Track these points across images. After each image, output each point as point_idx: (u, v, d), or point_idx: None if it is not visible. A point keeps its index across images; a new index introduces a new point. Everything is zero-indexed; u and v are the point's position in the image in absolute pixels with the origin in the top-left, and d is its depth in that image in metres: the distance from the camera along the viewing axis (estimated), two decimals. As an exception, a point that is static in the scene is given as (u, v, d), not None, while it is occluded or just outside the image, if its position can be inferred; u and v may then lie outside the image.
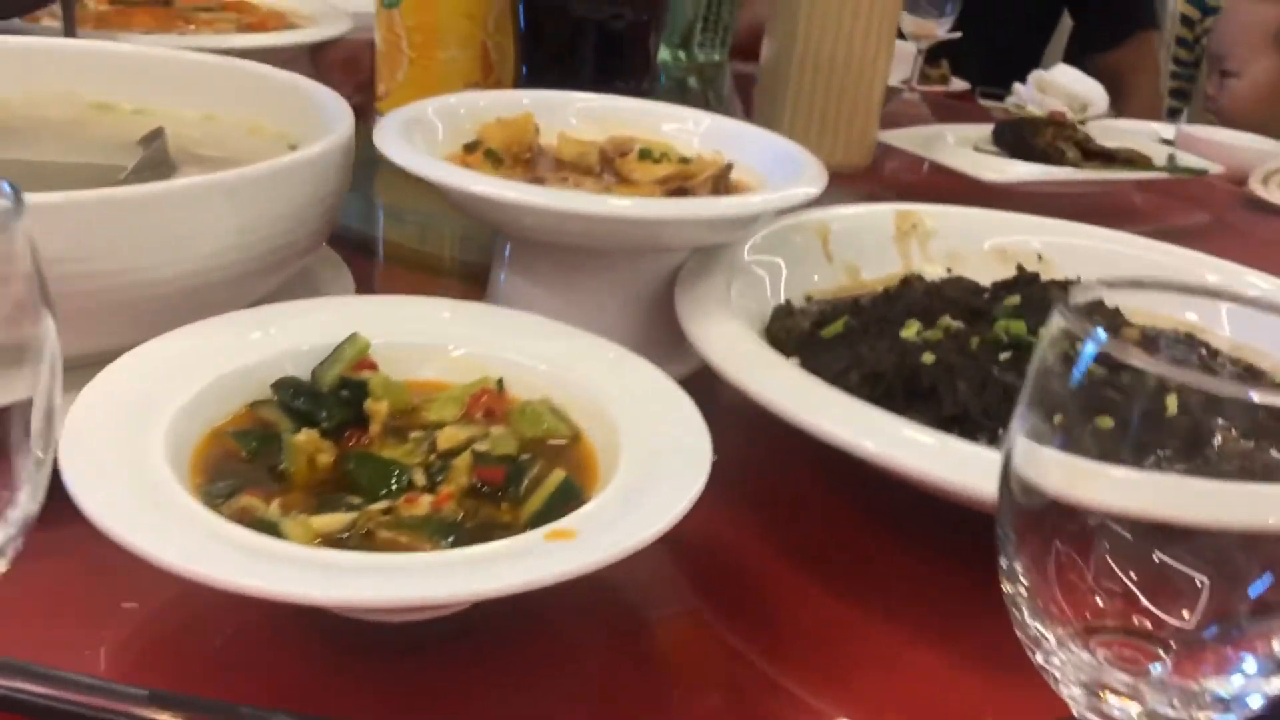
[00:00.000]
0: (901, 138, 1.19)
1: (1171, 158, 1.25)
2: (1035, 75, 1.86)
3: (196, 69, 0.77)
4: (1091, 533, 0.34)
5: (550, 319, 0.57)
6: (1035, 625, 0.35)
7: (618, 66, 0.91)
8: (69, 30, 1.02)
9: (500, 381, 0.53)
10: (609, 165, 0.70)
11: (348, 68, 1.28)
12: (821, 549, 0.56)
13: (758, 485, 0.60)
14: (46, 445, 0.32)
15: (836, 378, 0.59)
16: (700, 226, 0.60)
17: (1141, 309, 0.52)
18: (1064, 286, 0.72)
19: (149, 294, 0.55)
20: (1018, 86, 1.88)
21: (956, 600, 0.52)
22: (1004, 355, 0.61)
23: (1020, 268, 0.76)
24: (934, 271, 0.77)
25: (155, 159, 0.68)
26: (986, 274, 0.75)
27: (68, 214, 0.50)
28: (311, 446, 0.46)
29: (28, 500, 0.32)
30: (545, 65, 0.92)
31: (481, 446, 0.47)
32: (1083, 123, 1.36)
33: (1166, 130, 1.59)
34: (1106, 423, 0.35)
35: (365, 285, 0.72)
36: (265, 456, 0.46)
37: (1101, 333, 0.33)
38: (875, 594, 0.53)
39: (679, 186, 0.64)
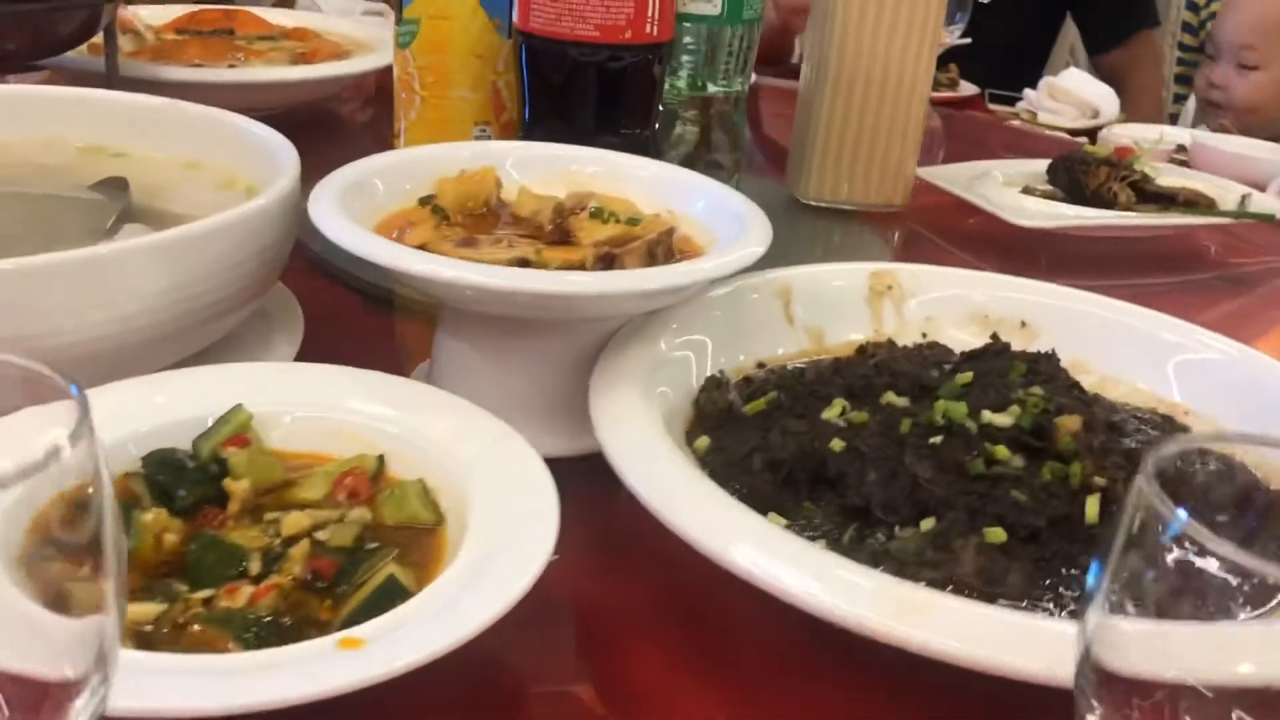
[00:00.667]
0: (944, 175, 1.15)
1: (1244, 200, 1.17)
2: (1046, 81, 1.81)
3: (180, 117, 0.79)
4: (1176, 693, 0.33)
5: (460, 392, 0.57)
6: None
7: (619, 110, 0.90)
8: (111, 64, 1.06)
9: (381, 458, 0.53)
10: (561, 223, 0.69)
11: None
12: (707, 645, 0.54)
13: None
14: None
15: (740, 461, 0.57)
16: (610, 300, 0.58)
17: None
18: (1035, 360, 0.68)
19: (75, 354, 0.57)
20: (1028, 92, 1.83)
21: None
22: (935, 439, 0.58)
23: (994, 337, 0.72)
24: (908, 336, 0.74)
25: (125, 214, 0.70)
26: (964, 341, 0.72)
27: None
28: (159, 525, 0.46)
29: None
30: (544, 109, 0.91)
31: (322, 535, 0.47)
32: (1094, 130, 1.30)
33: (1180, 135, 1.53)
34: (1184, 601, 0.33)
35: (324, 327, 0.72)
36: (115, 533, 0.47)
37: (1183, 514, 0.31)
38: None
39: (607, 253, 0.62)
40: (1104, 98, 1.81)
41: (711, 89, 0.99)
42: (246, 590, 0.43)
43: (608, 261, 0.62)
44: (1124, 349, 0.71)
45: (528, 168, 0.73)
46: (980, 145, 1.59)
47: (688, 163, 1.00)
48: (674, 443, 0.55)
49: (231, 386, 0.54)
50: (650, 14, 0.86)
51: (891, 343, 0.72)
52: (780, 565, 0.45)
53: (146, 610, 0.42)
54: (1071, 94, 1.81)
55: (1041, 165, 1.20)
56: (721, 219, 0.68)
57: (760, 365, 0.69)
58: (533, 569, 0.43)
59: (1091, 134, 1.80)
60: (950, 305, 0.75)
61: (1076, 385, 0.66)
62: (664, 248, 0.65)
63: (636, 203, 0.72)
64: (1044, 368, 0.67)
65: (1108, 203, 1.12)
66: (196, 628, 0.42)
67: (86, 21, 0.96)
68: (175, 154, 0.79)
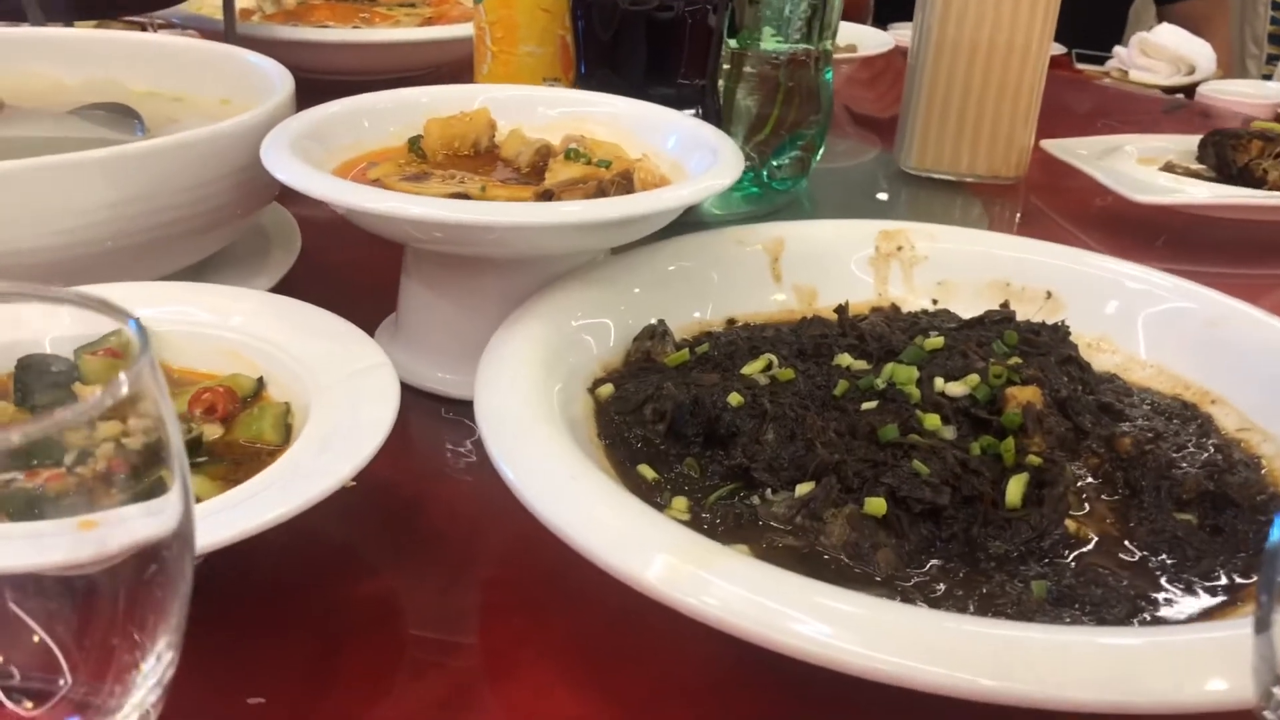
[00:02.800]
0: (1068, 148, 1.04)
1: None
2: (1138, 37, 1.63)
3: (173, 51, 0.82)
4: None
5: (420, 334, 0.58)
6: None
7: (671, 61, 0.86)
8: (229, 21, 1.11)
9: (260, 380, 0.52)
10: (541, 165, 0.67)
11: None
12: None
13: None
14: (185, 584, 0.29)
15: (635, 410, 0.53)
16: (521, 233, 0.55)
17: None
18: (1037, 330, 0.60)
19: (33, 261, 0.59)
20: (1119, 50, 1.65)
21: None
22: (867, 405, 0.52)
23: (1005, 304, 0.64)
24: (917, 302, 0.67)
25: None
26: (979, 310, 0.65)
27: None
28: (4, 417, 0.47)
29: (167, 649, 0.29)
30: (597, 61, 0.88)
31: (128, 440, 0.46)
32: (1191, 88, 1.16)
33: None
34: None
35: (322, 255, 0.73)
36: (-31, 426, 0.48)
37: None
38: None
39: (545, 190, 0.59)
40: (1200, 53, 1.64)
41: (791, 46, 0.94)
42: (42, 474, 0.43)
43: (546, 199, 0.59)
44: (1155, 327, 0.62)
45: (506, 109, 0.71)
46: (1070, 108, 1.46)
47: (762, 124, 0.96)
48: (565, 393, 0.52)
49: (139, 301, 0.55)
50: (699, -41, 0.82)
51: (895, 308, 0.66)
52: (568, 511, 0.41)
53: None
54: (1165, 50, 1.64)
55: (1184, 141, 1.07)
56: (695, 155, 0.64)
57: (731, 321, 0.64)
58: (298, 501, 0.41)
59: (1188, 90, 1.64)
60: (968, 270, 0.67)
61: (1074, 360, 0.58)
62: (619, 189, 0.61)
63: (625, 146, 0.69)
64: (1044, 339, 0.59)
65: (1257, 181, 0.99)
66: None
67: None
68: (218, 94, 0.81)
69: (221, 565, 0.48)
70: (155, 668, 0.27)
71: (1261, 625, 0.30)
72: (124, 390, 0.25)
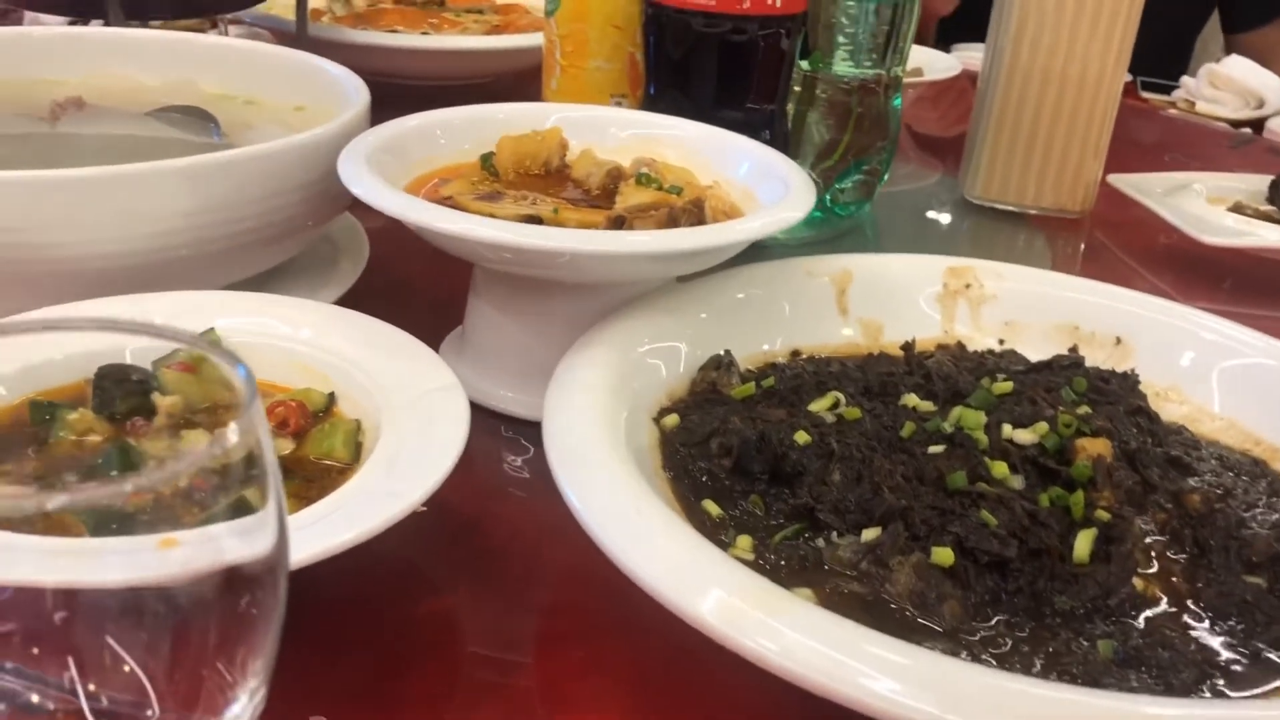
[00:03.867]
0: (1135, 183, 1.03)
1: None
2: (1207, 68, 1.61)
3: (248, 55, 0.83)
4: None
5: (486, 352, 0.60)
6: None
7: (741, 84, 0.86)
8: (301, 24, 1.12)
9: (331, 395, 0.53)
10: (611, 187, 0.67)
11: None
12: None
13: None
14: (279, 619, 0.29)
15: (700, 443, 0.53)
16: (598, 260, 0.56)
17: None
18: (1106, 378, 0.59)
19: (108, 266, 0.60)
20: (1186, 80, 1.62)
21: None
22: (935, 449, 0.52)
23: (1074, 349, 0.64)
24: (983, 341, 0.66)
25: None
26: (1048, 352, 0.64)
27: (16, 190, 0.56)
28: (84, 425, 0.48)
29: (260, 685, 0.29)
30: (667, 81, 0.88)
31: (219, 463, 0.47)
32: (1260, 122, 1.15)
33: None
34: None
35: (390, 266, 0.73)
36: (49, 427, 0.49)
37: None
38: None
39: (619, 216, 0.60)
40: (1270, 86, 1.60)
41: (862, 71, 0.93)
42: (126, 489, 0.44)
43: (618, 225, 0.59)
44: (1231, 380, 0.61)
45: (578, 129, 0.71)
46: (1135, 138, 1.44)
47: (831, 149, 0.96)
48: (631, 421, 0.52)
49: (214, 311, 0.56)
50: (773, -15, 0.82)
51: (961, 346, 0.66)
52: (632, 545, 0.41)
53: (11, 489, 0.44)
54: (1234, 81, 1.61)
55: (1255, 180, 1.05)
56: (766, 185, 0.64)
57: (796, 353, 0.64)
58: (368, 525, 0.41)
59: (1256, 124, 1.61)
60: (1036, 311, 0.67)
61: (1144, 411, 0.57)
62: (690, 217, 0.61)
63: (696, 172, 0.69)
64: (1113, 387, 0.58)
65: (1329, 226, 0.97)
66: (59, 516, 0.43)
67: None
68: (292, 100, 0.82)
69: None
70: (246, 706, 0.27)
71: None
72: (232, 440, 0.25)
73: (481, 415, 0.64)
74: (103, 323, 0.31)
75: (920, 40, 1.78)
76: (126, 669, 0.28)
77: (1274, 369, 0.59)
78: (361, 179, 0.59)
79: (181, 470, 0.25)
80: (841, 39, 0.94)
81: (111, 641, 0.28)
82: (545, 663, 0.49)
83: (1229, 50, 2.06)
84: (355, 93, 0.74)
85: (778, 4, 0.82)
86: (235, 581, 0.28)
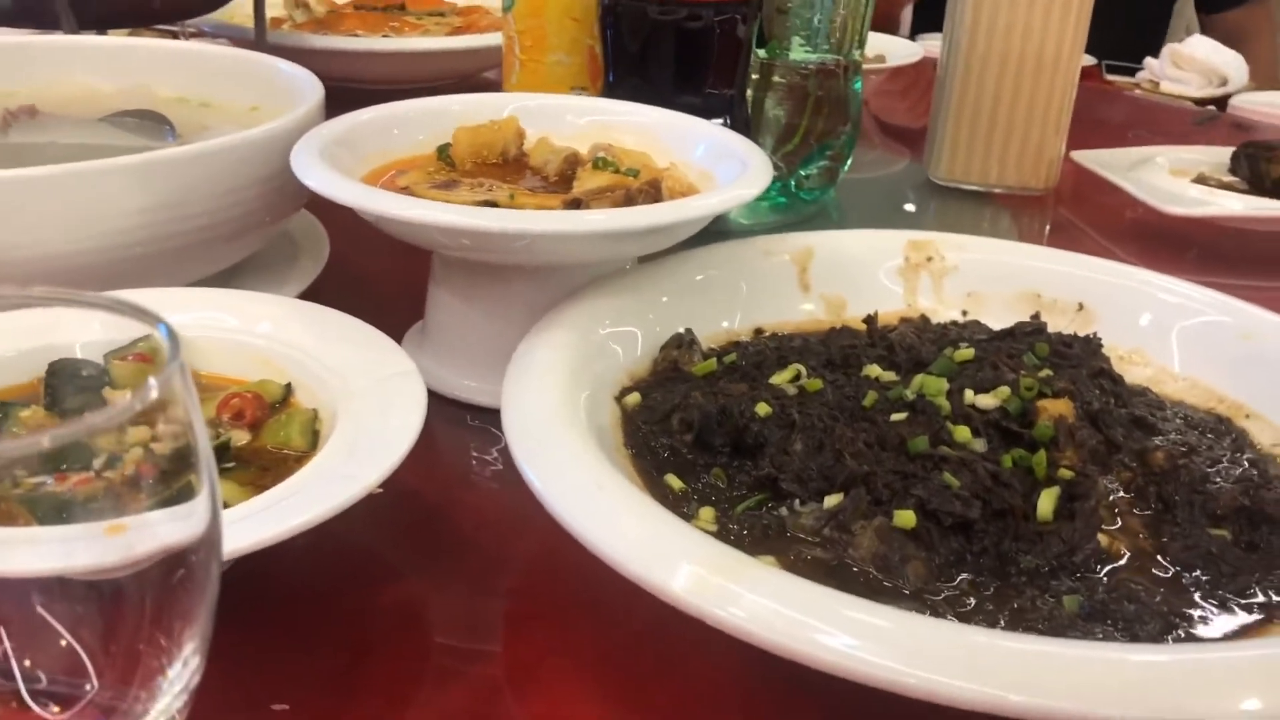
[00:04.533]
0: (1099, 159, 1.03)
1: None
2: (1169, 48, 1.63)
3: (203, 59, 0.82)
4: None
5: (448, 341, 0.59)
6: None
7: (700, 71, 0.86)
8: (259, 30, 1.12)
9: (288, 386, 0.52)
10: (569, 173, 0.67)
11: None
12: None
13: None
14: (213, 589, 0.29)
15: (662, 420, 0.53)
16: (550, 240, 0.55)
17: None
18: (1069, 342, 0.59)
19: (63, 266, 0.59)
20: (1150, 61, 1.64)
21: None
22: (897, 416, 0.51)
23: (1035, 316, 0.64)
24: (947, 313, 0.66)
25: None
26: (1008, 322, 0.64)
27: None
28: (35, 421, 0.47)
29: (194, 655, 0.28)
30: (625, 72, 0.88)
31: (157, 446, 0.46)
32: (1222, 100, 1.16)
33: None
34: None
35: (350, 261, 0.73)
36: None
37: None
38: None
39: (574, 198, 0.59)
40: (1232, 64, 1.63)
41: (820, 56, 0.93)
42: (71, 479, 0.43)
43: (574, 208, 0.59)
44: (1190, 340, 0.61)
45: (535, 118, 0.71)
46: (1101, 119, 1.44)
47: (790, 133, 0.96)
48: (592, 400, 0.52)
49: (168, 307, 0.55)
50: (726, -31, 0.82)
51: (924, 318, 0.66)
52: (594, 521, 0.41)
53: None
54: (1197, 61, 1.64)
55: (1218, 153, 1.06)
56: (723, 164, 0.64)
57: (759, 331, 0.64)
58: (324, 507, 0.41)
59: (1219, 103, 1.63)
60: (998, 281, 0.67)
61: (1107, 374, 0.57)
62: (647, 197, 0.61)
63: (654, 155, 0.69)
64: (1076, 351, 0.58)
65: (1290, 194, 0.97)
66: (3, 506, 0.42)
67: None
68: (247, 101, 0.81)
69: (247, 571, 0.48)
70: (181, 673, 0.27)
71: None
72: (153, 395, 0.25)
73: (447, 405, 0.63)
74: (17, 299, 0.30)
75: (888, 30, 1.79)
76: (64, 644, 0.27)
77: (1230, 326, 0.60)
78: (315, 171, 0.59)
79: (99, 425, 0.24)
80: (796, 24, 0.94)
81: (49, 619, 0.28)
82: (512, 645, 0.48)
83: (1204, 31, 2.08)
84: (310, 89, 0.74)
85: (732, -12, 0.82)
86: (171, 557, 0.28)
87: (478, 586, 0.52)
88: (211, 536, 0.28)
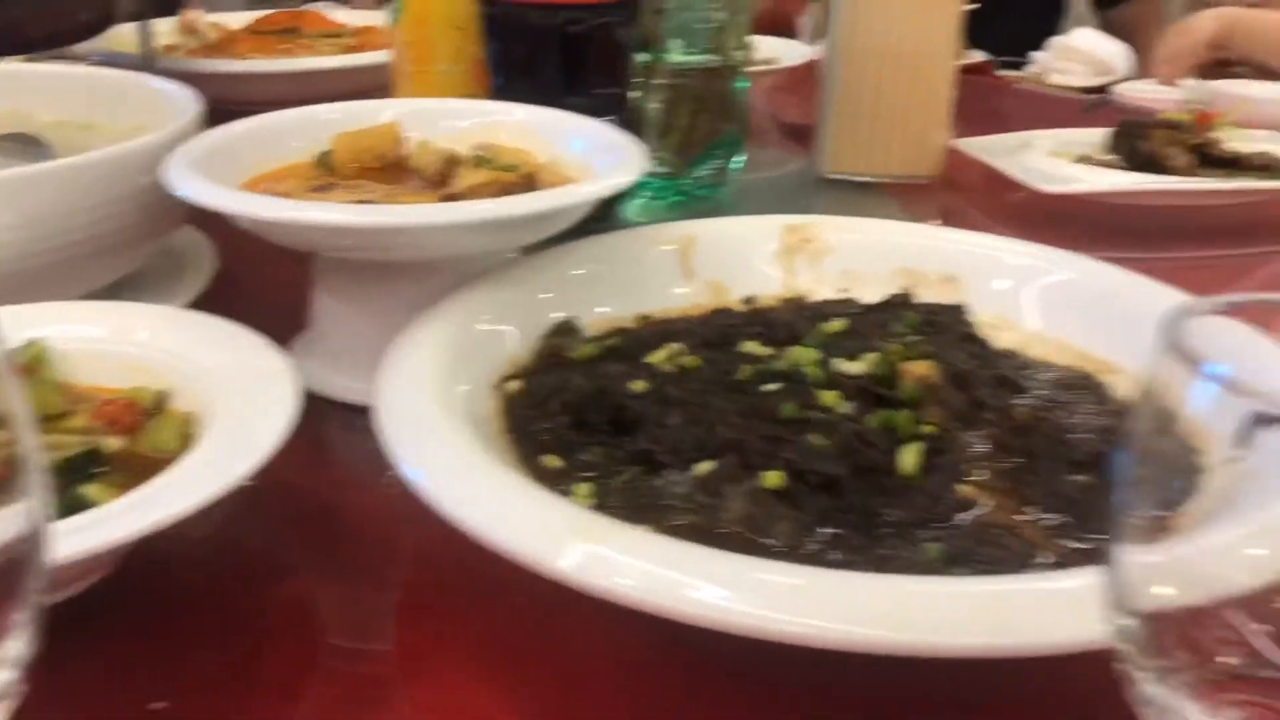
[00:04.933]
0: (981, 145, 1.07)
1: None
2: (1056, 41, 1.71)
3: (133, 89, 0.82)
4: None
5: (334, 345, 0.60)
6: (1153, 686, 0.31)
7: (585, 73, 0.87)
8: (146, 55, 1.11)
9: (162, 392, 0.52)
10: (450, 173, 0.68)
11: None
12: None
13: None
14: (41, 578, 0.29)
15: (542, 403, 0.53)
16: (435, 233, 0.56)
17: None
18: (936, 311, 0.61)
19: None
20: (1037, 54, 1.72)
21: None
22: (770, 387, 0.53)
23: (906, 289, 0.66)
24: (825, 292, 0.68)
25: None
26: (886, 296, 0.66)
27: None
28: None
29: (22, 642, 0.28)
30: (513, 77, 0.89)
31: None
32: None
33: (1199, 90, 1.42)
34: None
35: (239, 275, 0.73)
36: None
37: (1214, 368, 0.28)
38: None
39: (449, 194, 0.60)
40: (1116, 54, 1.71)
41: (700, 58, 0.95)
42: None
43: (450, 200, 0.60)
44: (1050, 300, 0.63)
45: (415, 122, 0.72)
46: (991, 112, 1.49)
47: (677, 133, 0.97)
48: (472, 393, 0.53)
49: (43, 321, 0.55)
50: (603, -28, 0.83)
51: (803, 298, 0.67)
52: (463, 498, 0.42)
53: None
54: (1082, 52, 1.71)
55: (1095, 135, 1.10)
56: (601, 157, 0.65)
57: (644, 318, 0.65)
58: (193, 500, 0.41)
59: (1105, 91, 1.69)
60: (873, 259, 0.68)
61: (973, 338, 0.59)
62: (523, 190, 0.62)
63: (533, 152, 0.70)
64: (943, 319, 0.60)
65: (1165, 168, 1.01)
66: None
67: (104, 8, 1.00)
68: (129, 121, 0.81)
69: (135, 576, 0.48)
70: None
71: (1108, 559, 0.31)
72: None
73: (338, 410, 0.63)
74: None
75: (788, 35, 1.82)
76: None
77: (1084, 284, 0.62)
78: (188, 181, 0.59)
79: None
80: (674, 27, 0.95)
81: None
82: (401, 636, 0.49)
83: (1100, 27, 2.15)
84: (189, 105, 0.74)
85: (608, -10, 0.84)
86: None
87: (367, 582, 0.52)
88: (36, 533, 0.28)
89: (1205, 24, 1.68)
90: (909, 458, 0.48)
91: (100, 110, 0.83)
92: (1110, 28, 2.16)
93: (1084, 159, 1.07)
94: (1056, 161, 1.05)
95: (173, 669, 0.45)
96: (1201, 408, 0.30)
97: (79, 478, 0.46)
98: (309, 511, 0.56)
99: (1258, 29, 1.67)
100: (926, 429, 0.49)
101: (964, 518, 0.47)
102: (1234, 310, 0.31)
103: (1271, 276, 0.94)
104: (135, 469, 0.48)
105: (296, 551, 0.54)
